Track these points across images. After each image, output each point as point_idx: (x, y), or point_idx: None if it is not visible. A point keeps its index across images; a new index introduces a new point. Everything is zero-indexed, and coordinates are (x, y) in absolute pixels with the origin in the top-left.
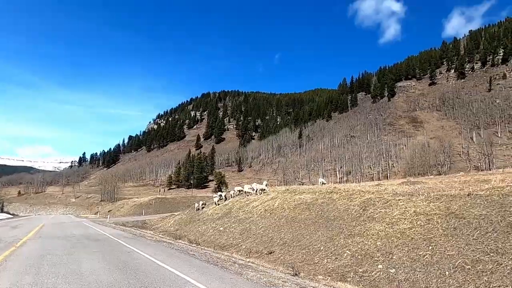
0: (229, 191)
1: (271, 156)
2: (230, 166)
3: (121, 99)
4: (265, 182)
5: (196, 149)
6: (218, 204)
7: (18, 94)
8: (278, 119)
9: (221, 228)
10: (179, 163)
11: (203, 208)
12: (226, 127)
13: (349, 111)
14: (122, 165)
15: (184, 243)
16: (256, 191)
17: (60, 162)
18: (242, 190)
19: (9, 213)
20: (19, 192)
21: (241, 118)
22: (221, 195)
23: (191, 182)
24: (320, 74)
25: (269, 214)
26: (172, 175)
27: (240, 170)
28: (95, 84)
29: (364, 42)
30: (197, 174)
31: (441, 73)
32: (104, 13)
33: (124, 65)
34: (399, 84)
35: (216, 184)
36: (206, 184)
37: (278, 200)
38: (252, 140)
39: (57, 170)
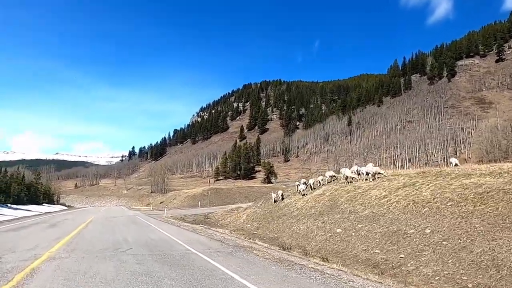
0: (317, 178)
1: (319, 145)
2: (275, 156)
3: (165, 95)
4: (370, 164)
5: (240, 140)
6: (305, 194)
7: (70, 94)
8: (323, 107)
9: (339, 230)
10: (225, 154)
11: (283, 199)
12: (269, 117)
13: (402, 95)
14: (168, 157)
15: (323, 264)
16: (367, 175)
17: (112, 157)
18: (334, 176)
19: (65, 205)
20: (75, 185)
21: (284, 108)
22: (306, 183)
23: (238, 172)
24: (364, 60)
25: (427, 209)
26: (219, 166)
27: (286, 160)
28: (140, 82)
29: (411, 23)
30: (244, 165)
31: (510, 48)
32: (142, 9)
33: (166, 62)
34: (459, 62)
35: (265, 175)
36: (253, 175)
37: (425, 188)
38: (297, 130)
39: (109, 164)
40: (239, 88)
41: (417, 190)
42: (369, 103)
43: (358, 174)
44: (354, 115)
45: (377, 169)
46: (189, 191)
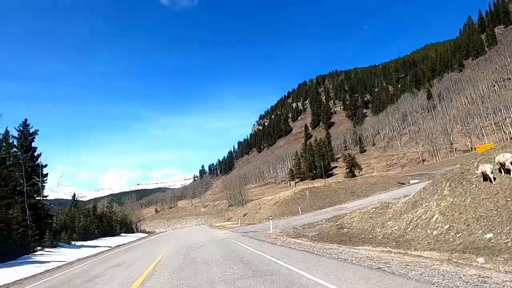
0: None
1: (397, 127)
2: (348, 149)
3: (222, 111)
4: None
5: (306, 139)
6: None
7: (140, 127)
8: (390, 88)
9: None
10: (297, 155)
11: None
12: (332, 110)
13: (487, 53)
14: (237, 170)
15: None
16: None
17: (185, 179)
18: None
19: (145, 232)
20: (156, 210)
21: (347, 97)
22: None
23: (314, 172)
24: (423, 30)
25: None
26: (292, 168)
27: (362, 151)
28: (198, 105)
29: None
30: (319, 162)
31: None
32: (184, 38)
33: (215, 81)
34: None
35: (347, 168)
36: (330, 172)
37: None
38: (366, 118)
39: (184, 186)
40: (294, 88)
41: None
42: (447, 70)
43: None
44: (431, 87)
45: None
46: (274, 197)
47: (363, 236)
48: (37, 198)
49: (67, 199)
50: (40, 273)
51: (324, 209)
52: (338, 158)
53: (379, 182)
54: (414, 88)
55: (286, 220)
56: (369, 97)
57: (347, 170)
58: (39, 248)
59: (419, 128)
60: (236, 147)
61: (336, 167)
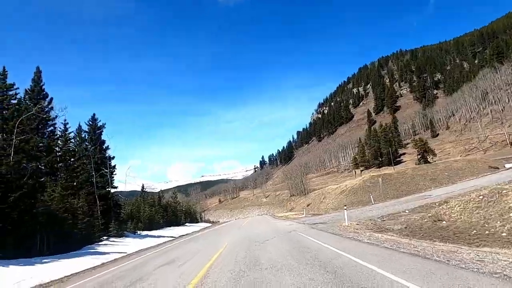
0: None
1: (476, 107)
2: (418, 134)
3: (279, 102)
4: None
5: (370, 126)
6: None
7: (202, 122)
8: (465, 65)
9: None
10: (360, 142)
11: None
12: (397, 93)
13: None
14: (297, 159)
15: None
16: None
17: (246, 171)
18: None
19: (209, 221)
20: (219, 200)
21: (414, 79)
22: None
23: (380, 159)
24: None
25: None
26: (356, 156)
27: (434, 136)
28: (255, 96)
29: None
30: (386, 149)
31: None
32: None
33: (274, 70)
34: None
35: (418, 154)
36: (398, 159)
37: None
38: (437, 100)
39: (245, 177)
40: (354, 73)
41: None
42: None
43: None
44: None
45: None
46: (340, 185)
47: (474, 231)
48: (107, 189)
49: (139, 191)
50: (93, 267)
51: (401, 198)
52: (407, 144)
53: (465, 167)
54: (495, 62)
55: (357, 210)
56: (440, 77)
57: (419, 156)
58: (104, 237)
59: (504, 107)
60: (295, 137)
61: (404, 153)
